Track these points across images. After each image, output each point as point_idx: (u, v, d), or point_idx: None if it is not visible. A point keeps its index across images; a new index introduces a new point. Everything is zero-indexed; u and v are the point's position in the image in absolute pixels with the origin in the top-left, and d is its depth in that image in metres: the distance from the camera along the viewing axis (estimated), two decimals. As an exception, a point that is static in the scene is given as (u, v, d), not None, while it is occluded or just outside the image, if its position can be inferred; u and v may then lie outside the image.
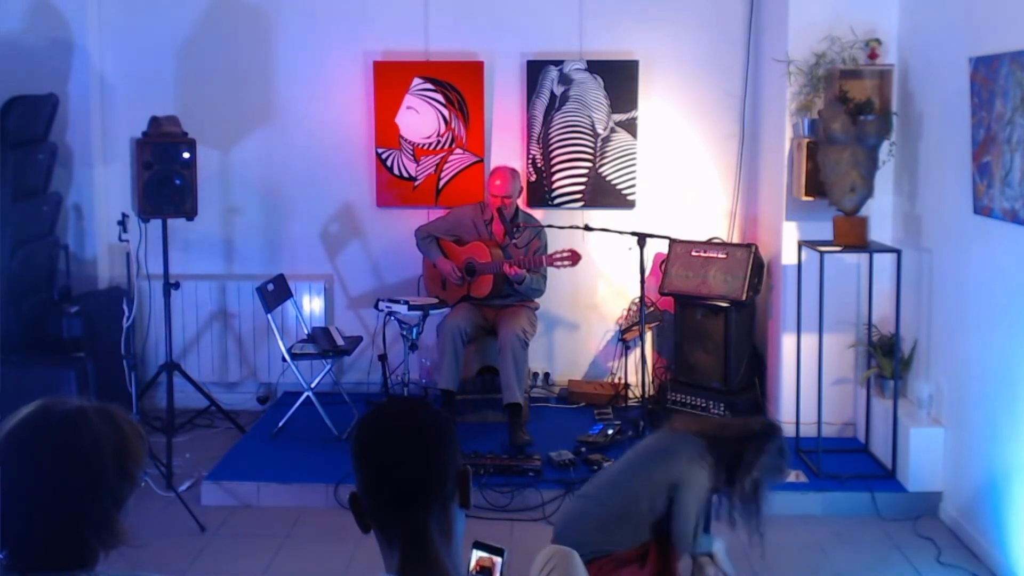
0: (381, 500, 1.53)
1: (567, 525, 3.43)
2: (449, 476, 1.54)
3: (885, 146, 4.77)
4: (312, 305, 5.91)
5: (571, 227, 5.28)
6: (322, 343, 5.27)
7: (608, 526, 3.35)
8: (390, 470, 1.52)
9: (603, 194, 5.80)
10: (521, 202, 5.58)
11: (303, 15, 5.81)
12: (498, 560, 1.83)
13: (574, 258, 5.08)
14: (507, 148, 5.85)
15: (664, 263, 5.56)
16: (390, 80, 5.78)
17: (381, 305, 5.25)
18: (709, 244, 5.54)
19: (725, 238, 5.76)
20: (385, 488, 1.52)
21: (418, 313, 5.19)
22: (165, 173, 4.96)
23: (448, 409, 5.12)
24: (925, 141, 4.67)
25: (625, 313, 5.82)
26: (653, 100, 5.78)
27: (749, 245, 5.37)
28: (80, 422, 1.56)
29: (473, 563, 1.84)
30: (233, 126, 5.89)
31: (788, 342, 5.11)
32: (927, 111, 4.65)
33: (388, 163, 5.85)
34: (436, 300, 5.32)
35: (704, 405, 5.41)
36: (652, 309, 5.57)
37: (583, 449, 4.88)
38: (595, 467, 4.61)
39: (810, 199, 4.89)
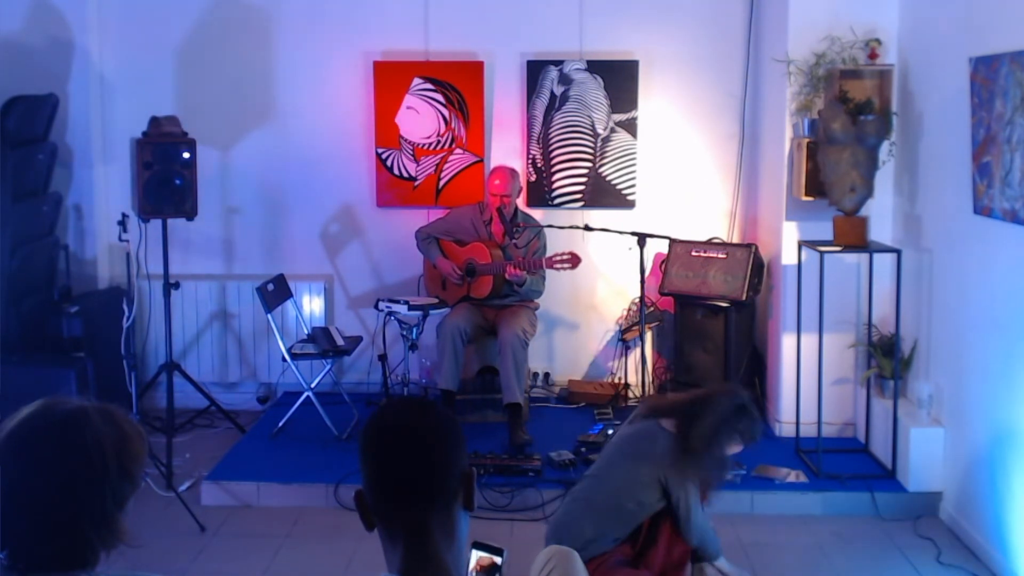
0: (384, 496, 1.54)
1: (560, 525, 3.45)
2: (452, 476, 1.55)
3: (885, 146, 4.77)
4: (312, 305, 5.91)
5: (571, 227, 5.28)
6: (322, 343, 5.27)
7: (599, 525, 3.36)
8: (393, 466, 1.54)
9: (603, 194, 5.80)
10: (521, 202, 5.58)
11: (303, 15, 5.81)
12: (498, 560, 1.83)
13: (573, 261, 5.07)
14: (507, 148, 5.85)
15: (664, 263, 5.56)
16: (390, 80, 5.78)
17: (381, 305, 5.25)
18: (709, 244, 5.54)
19: (725, 238, 5.76)
20: (388, 484, 1.54)
21: (418, 313, 5.19)
22: (165, 173, 4.96)
23: (448, 409, 5.11)
24: (925, 141, 4.67)
25: (625, 313, 5.82)
26: (653, 100, 5.78)
27: (749, 245, 5.37)
28: (82, 422, 1.57)
29: (473, 563, 1.84)
30: (233, 126, 5.89)
31: (788, 342, 5.11)
32: (927, 111, 4.65)
33: (388, 163, 5.85)
34: (436, 300, 5.33)
35: (704, 405, 5.41)
36: (652, 309, 5.57)
37: (583, 449, 4.88)
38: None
39: (810, 199, 4.89)
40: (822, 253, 4.63)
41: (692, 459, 3.32)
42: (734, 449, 3.41)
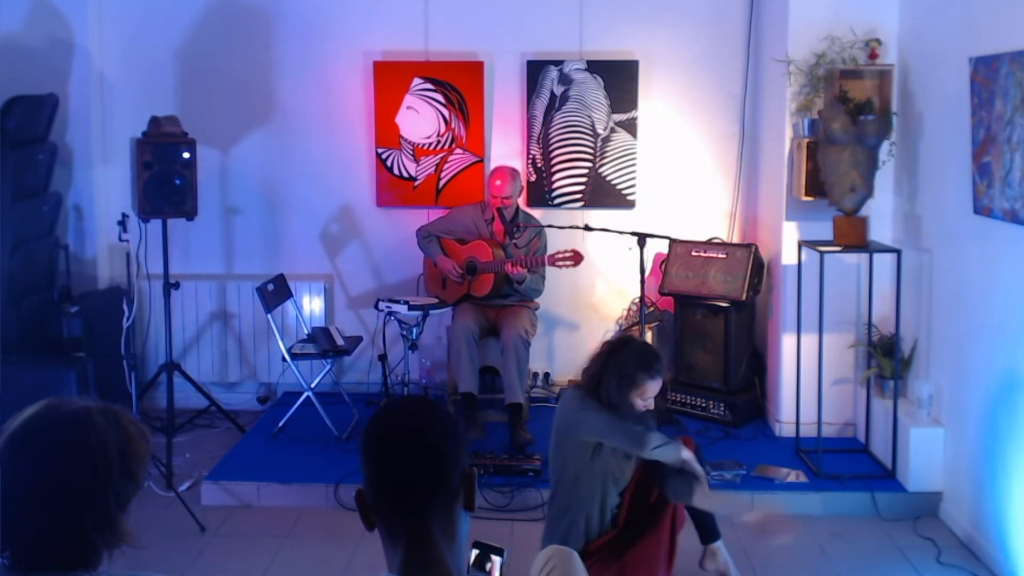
0: (385, 496, 1.54)
1: (548, 521, 3.57)
2: (453, 476, 1.55)
3: (885, 146, 4.77)
4: (312, 305, 5.91)
5: (571, 227, 5.28)
6: (322, 343, 5.27)
7: (567, 513, 3.44)
8: (394, 467, 1.54)
9: (603, 194, 5.80)
10: (521, 202, 5.58)
11: (303, 15, 5.81)
12: (498, 560, 1.84)
13: (576, 258, 5.08)
14: (507, 148, 5.85)
15: (664, 263, 5.56)
16: (390, 80, 5.78)
17: (381, 305, 5.25)
18: (709, 244, 5.54)
19: (725, 238, 5.76)
20: (389, 485, 1.54)
21: (418, 313, 5.19)
22: (165, 173, 4.96)
23: (471, 411, 5.10)
24: (925, 141, 4.67)
25: (625, 313, 5.82)
26: (653, 100, 5.78)
27: (749, 245, 5.37)
28: (86, 422, 1.57)
29: (472, 562, 1.85)
30: (233, 126, 5.89)
31: (788, 342, 5.11)
32: (927, 111, 4.65)
33: (388, 163, 5.85)
34: (436, 300, 5.33)
35: (704, 405, 5.42)
36: (652, 309, 5.57)
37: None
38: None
39: (810, 199, 4.89)
40: (822, 253, 4.63)
41: (608, 410, 3.40)
42: (640, 390, 3.38)
